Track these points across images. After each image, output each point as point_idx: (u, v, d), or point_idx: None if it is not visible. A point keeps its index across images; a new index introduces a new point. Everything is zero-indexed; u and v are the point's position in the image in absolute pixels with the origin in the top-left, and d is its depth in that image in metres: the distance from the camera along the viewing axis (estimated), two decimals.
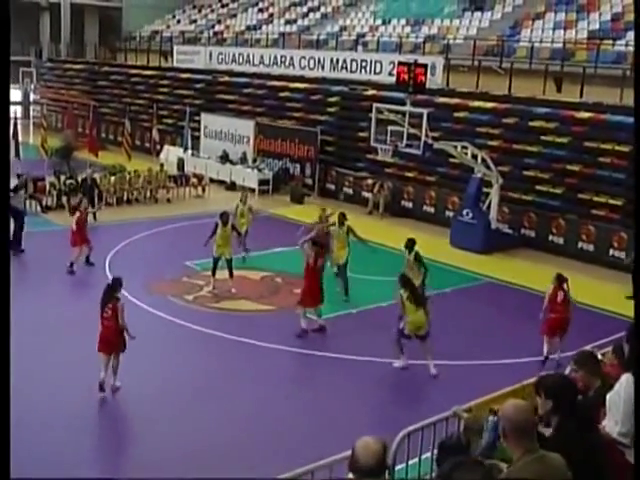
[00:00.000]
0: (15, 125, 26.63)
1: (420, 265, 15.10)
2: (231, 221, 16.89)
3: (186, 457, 9.54)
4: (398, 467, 6.48)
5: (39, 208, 23.06)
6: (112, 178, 25.84)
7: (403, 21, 33.40)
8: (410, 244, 15.28)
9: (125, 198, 25.77)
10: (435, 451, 6.78)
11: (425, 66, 20.97)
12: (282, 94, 32.27)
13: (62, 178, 24.66)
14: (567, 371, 6.68)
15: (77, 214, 18.22)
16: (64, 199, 24.00)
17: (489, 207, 21.91)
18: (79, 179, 24.34)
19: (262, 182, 28.66)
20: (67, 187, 24.25)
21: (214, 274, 16.73)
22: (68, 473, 8.95)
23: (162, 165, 27.99)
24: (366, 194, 26.74)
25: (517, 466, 4.21)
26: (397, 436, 6.40)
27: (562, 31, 26.90)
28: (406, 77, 20.47)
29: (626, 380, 5.13)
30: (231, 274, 16.70)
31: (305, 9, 40.58)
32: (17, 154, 25.80)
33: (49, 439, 9.86)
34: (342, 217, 16.80)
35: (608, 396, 5.24)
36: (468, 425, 5.73)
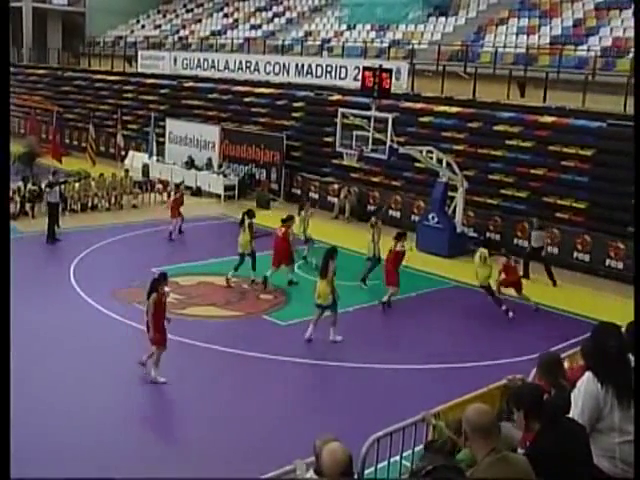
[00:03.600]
0: None
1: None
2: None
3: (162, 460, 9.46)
4: (367, 471, 6.48)
5: None
6: (76, 184, 25.54)
7: (368, 26, 33.56)
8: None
9: (90, 204, 25.46)
10: (405, 454, 6.81)
11: (390, 71, 21.06)
12: (247, 99, 32.23)
13: (28, 185, 24.23)
14: (531, 376, 6.68)
15: (175, 194, 22.95)
16: (28, 206, 23.62)
17: (454, 211, 22.05)
18: (42, 185, 23.99)
19: (228, 188, 28.57)
20: (30, 194, 23.81)
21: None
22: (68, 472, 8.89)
23: (127, 171, 27.79)
24: (332, 199, 26.79)
25: (481, 466, 4.26)
26: (366, 442, 6.38)
27: (525, 36, 27.23)
28: (371, 82, 20.53)
29: (587, 377, 5.17)
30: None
31: (270, 14, 40.59)
32: None
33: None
34: (376, 220, 18.60)
35: (572, 394, 5.29)
36: (450, 427, 5.73)
